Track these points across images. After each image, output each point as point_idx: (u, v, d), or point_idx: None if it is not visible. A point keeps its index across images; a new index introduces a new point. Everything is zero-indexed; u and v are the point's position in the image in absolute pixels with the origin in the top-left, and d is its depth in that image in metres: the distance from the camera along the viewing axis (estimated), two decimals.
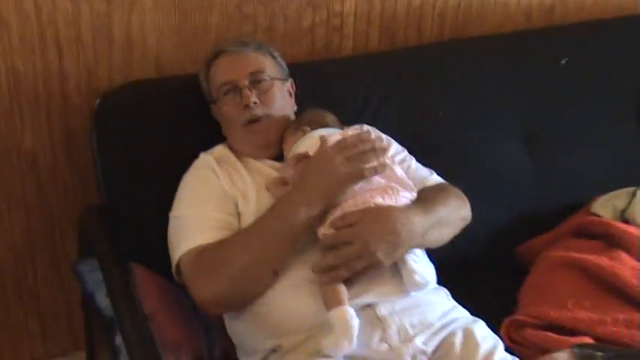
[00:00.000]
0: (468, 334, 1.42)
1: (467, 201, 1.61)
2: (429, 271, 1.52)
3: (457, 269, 1.83)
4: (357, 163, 1.42)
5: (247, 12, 1.87)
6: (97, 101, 1.71)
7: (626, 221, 1.91)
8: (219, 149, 1.66)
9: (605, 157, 2.07)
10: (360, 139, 1.47)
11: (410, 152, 1.71)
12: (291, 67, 1.77)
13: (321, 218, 1.44)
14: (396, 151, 1.67)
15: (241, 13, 1.86)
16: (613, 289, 1.64)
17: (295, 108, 1.71)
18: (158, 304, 1.56)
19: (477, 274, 1.86)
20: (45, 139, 1.83)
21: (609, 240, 1.79)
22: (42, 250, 1.91)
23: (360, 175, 1.42)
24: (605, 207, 1.96)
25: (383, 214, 1.41)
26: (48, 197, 1.88)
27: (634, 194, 1.96)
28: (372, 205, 1.43)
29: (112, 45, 1.79)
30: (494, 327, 1.53)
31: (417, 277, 1.43)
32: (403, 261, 1.43)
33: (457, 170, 1.86)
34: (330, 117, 1.65)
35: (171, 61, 1.83)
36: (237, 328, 1.52)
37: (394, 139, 1.72)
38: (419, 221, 1.43)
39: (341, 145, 1.45)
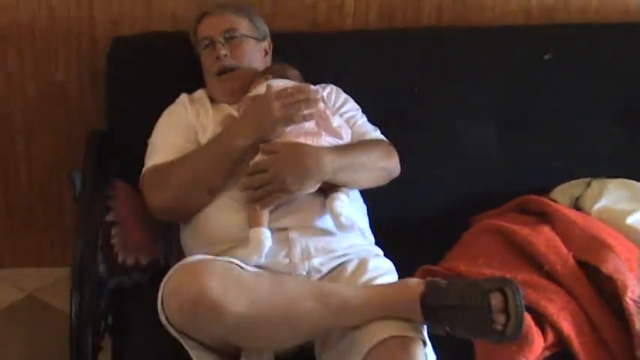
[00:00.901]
0: (362, 263, 1.64)
1: (394, 156, 1.82)
2: (356, 215, 1.74)
3: (409, 227, 2.06)
4: (291, 109, 1.68)
5: None
6: (111, 43, 2.05)
7: (578, 208, 2.03)
8: (199, 92, 1.96)
9: (574, 150, 2.19)
10: (299, 90, 1.73)
11: (382, 122, 1.93)
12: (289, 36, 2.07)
13: (254, 150, 1.71)
14: (349, 108, 1.91)
15: None
16: (523, 255, 1.78)
17: (267, 64, 1.97)
18: (128, 212, 1.87)
19: (428, 235, 2.03)
20: (74, 74, 2.21)
21: (543, 217, 1.93)
22: (67, 166, 2.28)
23: (290, 120, 1.69)
24: (564, 194, 2.09)
25: (296, 148, 1.67)
26: (73, 122, 2.25)
27: (589, 184, 2.08)
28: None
29: (135, 5, 2.15)
30: (411, 275, 1.71)
31: (342, 219, 1.65)
32: (330, 205, 1.66)
33: (428, 141, 2.11)
34: (292, 71, 1.91)
35: (185, 18, 2.14)
36: (183, 236, 1.80)
37: (367, 107, 1.96)
38: (329, 159, 1.66)
39: (281, 93, 1.72)
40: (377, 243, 1.80)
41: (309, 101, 1.71)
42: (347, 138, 1.79)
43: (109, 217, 1.81)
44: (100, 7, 2.15)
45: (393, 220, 1.98)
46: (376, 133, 1.89)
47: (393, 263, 1.73)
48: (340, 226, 1.66)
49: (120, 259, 1.76)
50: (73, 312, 1.52)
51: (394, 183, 1.86)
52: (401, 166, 1.84)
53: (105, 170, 1.96)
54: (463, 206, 2.13)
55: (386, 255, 1.76)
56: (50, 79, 2.22)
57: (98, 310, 1.72)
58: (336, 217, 1.65)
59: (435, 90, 2.18)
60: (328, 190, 1.70)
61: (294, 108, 1.69)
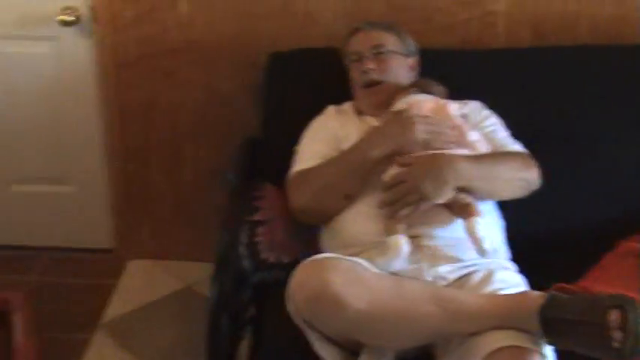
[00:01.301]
0: (489, 275, 1.67)
1: (533, 167, 1.84)
2: (493, 232, 1.77)
3: (546, 245, 2.05)
4: (434, 135, 1.77)
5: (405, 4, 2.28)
6: (269, 57, 2.22)
7: None
8: (346, 105, 2.08)
9: None
10: (447, 125, 1.81)
11: (527, 139, 1.95)
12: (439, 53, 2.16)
13: (389, 161, 1.79)
14: (490, 123, 1.95)
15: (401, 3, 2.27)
16: None
17: (412, 80, 2.05)
18: (274, 214, 2.01)
19: (566, 255, 2.01)
20: (237, 85, 2.41)
21: None
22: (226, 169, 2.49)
23: (429, 146, 1.78)
24: None
25: (431, 156, 1.73)
26: (234, 129, 2.44)
27: None
28: None
29: (294, 19, 2.31)
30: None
31: (484, 244, 1.66)
32: (471, 229, 1.68)
33: (572, 158, 2.09)
34: (437, 87, 1.98)
35: (338, 36, 2.26)
36: (321, 238, 1.92)
37: (512, 124, 1.99)
38: (465, 166, 1.71)
39: (428, 119, 1.80)
40: (512, 259, 1.82)
41: (453, 129, 1.78)
42: (483, 151, 1.83)
43: (256, 217, 1.95)
44: (262, 25, 2.34)
45: (530, 237, 1.97)
46: (516, 146, 1.91)
47: (528, 280, 1.73)
48: (481, 251, 1.67)
49: (263, 256, 1.90)
50: (212, 298, 1.66)
51: (534, 199, 1.86)
52: (543, 183, 1.84)
53: (256, 174, 2.11)
54: (606, 228, 2.07)
55: (521, 272, 1.77)
56: (216, 89, 2.43)
57: (239, 301, 1.86)
58: (477, 241, 1.67)
59: (581, 107, 2.16)
60: (460, 210, 1.72)
61: (437, 137, 1.77)
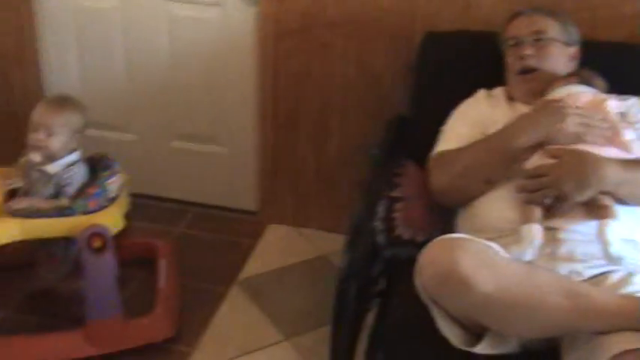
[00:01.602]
0: (628, 276, 1.60)
1: None
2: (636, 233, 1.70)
3: None
4: (586, 129, 1.71)
5: None
6: (424, 37, 2.23)
7: None
8: (497, 90, 2.05)
9: None
10: (601, 119, 1.74)
11: None
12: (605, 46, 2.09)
13: (534, 150, 1.75)
14: None
15: None
16: None
17: (570, 70, 1.99)
18: (413, 192, 2.03)
19: None
20: (390, 62, 2.43)
21: None
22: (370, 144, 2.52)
23: (581, 140, 1.72)
24: None
25: (580, 156, 1.68)
26: (383, 106, 2.47)
27: None
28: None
29: (454, 3, 2.30)
30: None
31: (611, 251, 1.60)
32: (601, 232, 1.62)
33: None
34: (598, 81, 1.91)
35: (498, 20, 2.23)
36: (457, 220, 1.91)
37: None
38: (612, 170, 1.65)
39: (582, 111, 1.74)
40: None
41: (606, 126, 1.72)
42: (636, 152, 1.75)
43: (394, 193, 1.97)
44: (422, 4, 2.34)
45: None
46: None
47: None
48: (607, 257, 1.61)
49: (397, 232, 1.92)
50: (342, 267, 1.70)
51: None
52: None
53: (401, 151, 2.13)
54: None
55: None
56: (369, 66, 2.47)
57: (369, 273, 1.90)
58: (605, 245, 1.61)
59: None
60: (595, 210, 1.66)
61: (590, 130, 1.71)
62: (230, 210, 2.89)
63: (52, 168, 2.07)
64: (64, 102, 2.10)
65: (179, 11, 2.63)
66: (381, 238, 1.91)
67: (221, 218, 2.86)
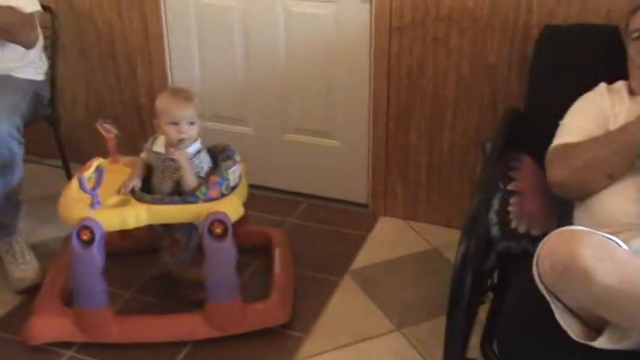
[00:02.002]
0: None
1: None
2: None
3: None
4: None
5: None
6: (542, 30, 2.21)
7: None
8: (618, 83, 2.00)
9: None
10: None
11: None
12: None
13: None
14: None
15: None
16: None
17: None
18: (529, 185, 2.02)
19: None
20: (505, 56, 2.42)
21: None
22: (483, 139, 2.52)
23: None
24: None
25: None
26: (496, 100, 2.46)
27: None
28: None
29: None
30: None
31: None
32: None
33: None
34: None
35: (619, 13, 2.19)
36: (576, 214, 1.89)
37: None
38: None
39: None
40: None
41: None
42: None
43: (510, 187, 1.97)
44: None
45: None
46: None
47: None
48: None
49: (513, 225, 1.92)
50: (458, 258, 1.72)
51: None
52: None
53: (516, 145, 2.12)
54: None
55: None
56: (483, 60, 2.46)
57: (484, 265, 1.91)
58: None
59: None
60: None
61: None
62: (341, 202, 2.95)
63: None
64: (189, 93, 2.20)
65: (296, 8, 2.70)
66: (495, 231, 1.92)
67: (332, 210, 2.92)
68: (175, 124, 2.13)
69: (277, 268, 2.41)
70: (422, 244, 2.69)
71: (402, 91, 2.63)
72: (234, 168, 2.21)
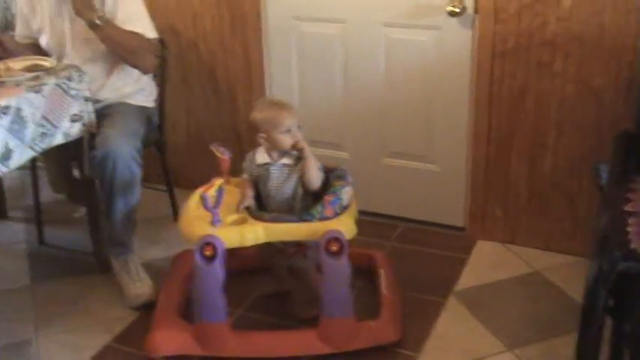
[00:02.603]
0: None
1: None
2: None
3: None
4: None
5: None
6: None
7: None
8: None
9: None
10: None
11: None
12: None
13: None
14: None
15: None
16: None
17: None
18: None
19: None
20: (611, 80, 2.45)
21: None
22: (587, 162, 2.54)
23: None
24: None
25: None
26: (602, 123, 2.49)
27: None
28: None
29: None
30: None
31: None
32: None
33: None
34: None
35: None
36: None
37: None
38: None
39: None
40: None
41: None
42: None
43: (627, 207, 1.99)
44: None
45: None
46: None
47: None
48: None
49: (632, 246, 1.93)
50: (591, 277, 1.73)
51: None
52: None
53: (630, 167, 2.14)
54: None
55: None
56: (588, 83, 2.49)
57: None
58: None
59: None
60: None
61: None
62: (438, 225, 2.98)
63: (289, 160, 2.28)
64: (285, 101, 2.35)
65: (397, 35, 2.77)
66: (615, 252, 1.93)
67: (429, 233, 2.96)
68: (288, 131, 2.22)
69: (384, 288, 2.45)
70: (523, 267, 2.70)
71: (503, 114, 2.67)
72: (347, 188, 2.27)
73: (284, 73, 3.04)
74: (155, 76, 2.89)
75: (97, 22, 2.49)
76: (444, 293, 2.55)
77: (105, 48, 2.57)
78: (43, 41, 2.73)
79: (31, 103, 2.33)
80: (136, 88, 2.77)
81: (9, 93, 2.29)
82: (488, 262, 2.74)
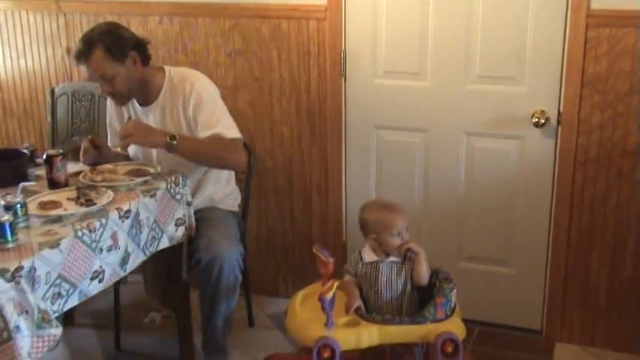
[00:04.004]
0: None
1: None
2: None
3: None
4: None
5: None
6: None
7: None
8: None
9: None
10: None
11: None
12: None
13: None
14: None
15: None
16: None
17: None
18: None
19: None
20: None
21: None
22: None
23: None
24: None
25: None
26: None
27: None
28: None
29: None
30: None
31: None
32: None
33: None
34: None
35: None
36: None
37: None
38: None
39: None
40: None
41: None
42: None
43: None
44: None
45: None
46: None
47: None
48: None
49: None
50: None
51: None
52: None
53: None
54: None
55: None
56: None
57: None
58: None
59: None
60: None
61: None
62: (514, 328, 3.04)
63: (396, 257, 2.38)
64: (395, 203, 2.45)
65: (479, 143, 2.91)
66: None
67: (505, 336, 3.01)
68: (399, 234, 2.33)
69: None
70: None
71: (583, 220, 2.79)
72: (455, 291, 2.35)
73: (362, 180, 3.15)
74: (238, 182, 2.97)
75: (170, 141, 2.50)
76: None
77: None
78: (131, 152, 2.82)
79: (146, 208, 2.41)
80: (225, 193, 2.85)
81: (128, 198, 2.37)
82: None
